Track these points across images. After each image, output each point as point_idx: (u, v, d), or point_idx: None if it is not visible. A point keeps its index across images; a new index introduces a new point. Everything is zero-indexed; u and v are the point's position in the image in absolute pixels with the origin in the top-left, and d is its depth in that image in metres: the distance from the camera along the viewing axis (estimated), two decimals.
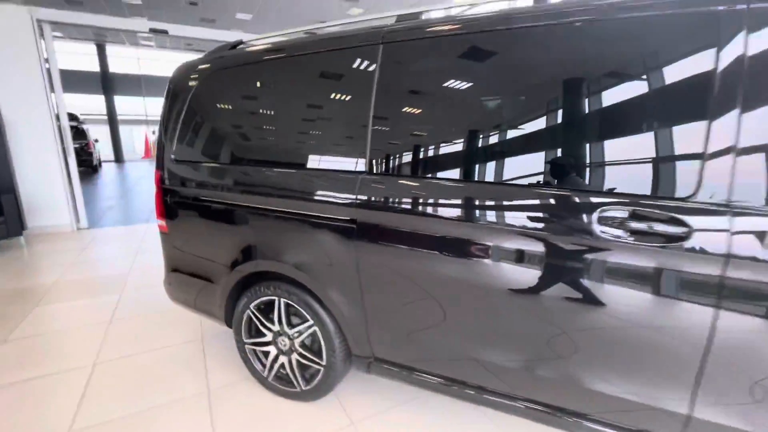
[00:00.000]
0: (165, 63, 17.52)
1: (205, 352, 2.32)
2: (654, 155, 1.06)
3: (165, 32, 5.33)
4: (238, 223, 1.80)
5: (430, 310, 1.42)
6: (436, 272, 1.37)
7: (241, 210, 1.77)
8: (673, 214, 1.02)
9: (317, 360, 1.77)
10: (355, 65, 1.52)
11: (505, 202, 1.24)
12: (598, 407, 1.23)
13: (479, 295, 1.31)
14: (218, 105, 1.87)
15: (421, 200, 1.38)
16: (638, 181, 1.08)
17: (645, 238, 1.06)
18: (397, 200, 1.42)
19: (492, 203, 1.27)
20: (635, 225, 1.07)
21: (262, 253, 1.74)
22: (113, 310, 2.88)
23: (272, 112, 1.73)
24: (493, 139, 1.29)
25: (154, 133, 19.98)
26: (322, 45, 1.60)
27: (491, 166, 1.31)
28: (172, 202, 2.01)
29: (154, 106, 19.63)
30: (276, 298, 1.79)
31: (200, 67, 1.93)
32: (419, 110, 1.42)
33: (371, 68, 1.47)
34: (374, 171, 1.47)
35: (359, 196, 1.48)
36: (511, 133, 1.26)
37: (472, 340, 1.37)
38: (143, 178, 11.76)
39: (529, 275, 1.22)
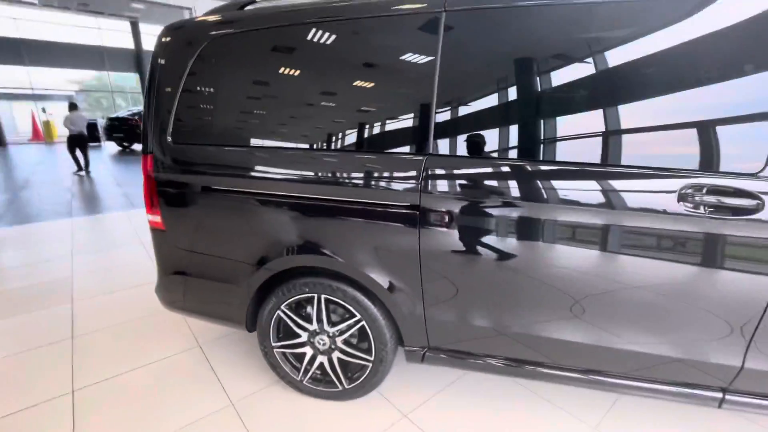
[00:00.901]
0: (58, 26, 14.84)
1: (209, 360, 2.05)
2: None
3: None
4: (270, 215, 1.57)
5: (497, 294, 1.40)
6: (509, 256, 1.34)
7: (275, 200, 1.54)
8: (745, 188, 1.11)
9: (364, 356, 1.66)
10: (410, 35, 1.38)
11: (594, 183, 1.24)
12: (667, 372, 1.33)
13: (556, 277, 1.31)
14: (238, 76, 1.58)
15: (498, 184, 1.32)
16: (713, 157, 1.15)
17: (721, 212, 1.13)
18: (470, 183, 1.35)
19: (579, 183, 1.25)
20: (713, 199, 1.13)
21: (302, 247, 1.55)
22: (70, 325, 2.41)
23: (312, 87, 1.51)
24: (581, 118, 1.27)
25: (44, 111, 16.92)
26: (369, 10, 1.42)
27: (567, 145, 1.29)
28: (172, 193, 1.69)
29: (41, 77, 16.59)
30: (315, 295, 1.63)
31: (205, 29, 1.60)
32: (495, 84, 1.33)
33: (432, 39, 1.34)
34: (440, 152, 1.37)
35: (424, 181, 1.38)
36: (609, 112, 1.24)
37: (541, 319, 1.38)
38: (41, 164, 9.96)
39: (611, 255, 1.24)
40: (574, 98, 1.25)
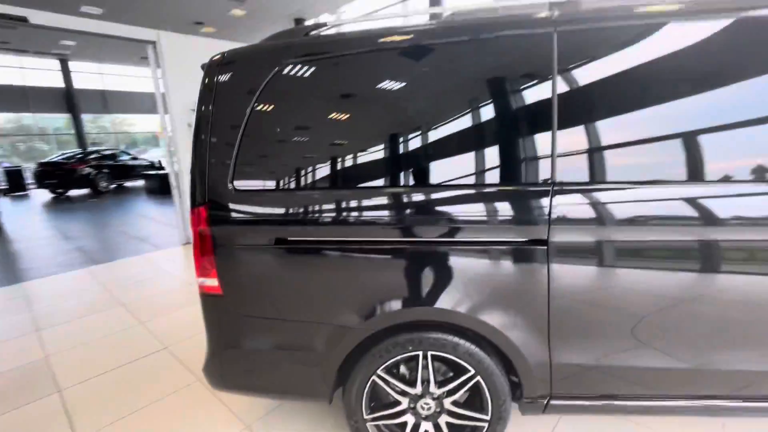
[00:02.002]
0: None
1: None
2: None
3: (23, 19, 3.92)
4: (369, 265, 1.34)
5: (646, 328, 1.28)
6: (664, 284, 1.23)
7: (376, 247, 1.32)
8: None
9: (478, 415, 1.45)
10: (516, 55, 1.28)
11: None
12: None
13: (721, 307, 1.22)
14: (323, 107, 1.36)
15: (647, 211, 1.22)
16: None
17: None
18: (605, 212, 1.23)
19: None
20: None
21: (410, 300, 1.33)
22: (67, 420, 1.92)
23: (412, 115, 1.34)
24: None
25: None
26: (468, 32, 1.30)
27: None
28: (235, 250, 1.40)
29: None
30: (419, 353, 1.40)
31: (274, 56, 1.38)
32: (625, 101, 1.24)
33: (544, 58, 1.24)
34: (565, 180, 1.25)
35: (554, 212, 1.24)
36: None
37: (704, 351, 1.28)
38: None
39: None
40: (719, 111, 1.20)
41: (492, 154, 1.29)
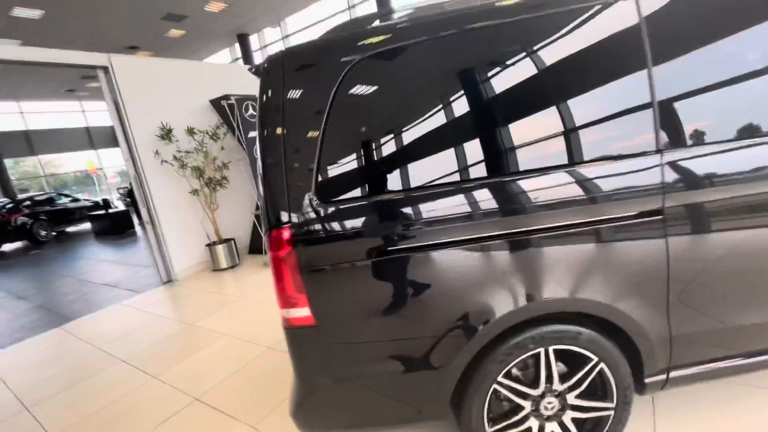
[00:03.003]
0: None
1: None
2: None
3: None
4: (489, 264, 1.22)
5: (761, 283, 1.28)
6: None
7: (495, 242, 1.21)
8: None
9: (604, 405, 1.38)
10: (596, 25, 1.23)
11: None
12: None
13: None
14: (422, 95, 1.23)
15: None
16: None
17: None
18: (721, 175, 1.22)
19: None
20: None
21: (534, 293, 1.24)
22: None
23: (510, 97, 1.24)
24: None
25: None
26: (550, 5, 1.23)
27: None
28: (328, 270, 1.23)
29: None
30: (541, 350, 1.31)
31: (351, 46, 1.23)
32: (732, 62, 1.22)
33: (627, 25, 1.21)
34: (674, 144, 1.22)
35: (666, 179, 1.21)
36: None
37: None
38: None
39: None
40: None
41: (602, 127, 1.23)
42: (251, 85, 5.90)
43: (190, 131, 4.91)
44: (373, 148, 1.24)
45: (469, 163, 1.22)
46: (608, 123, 1.24)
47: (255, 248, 5.70)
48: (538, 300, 1.24)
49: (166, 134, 4.69)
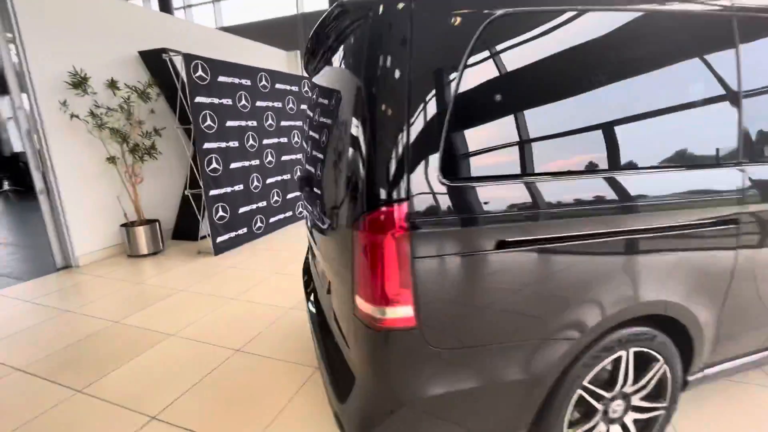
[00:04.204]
0: None
1: None
2: None
3: None
4: (606, 263, 1.14)
5: None
6: None
7: (615, 240, 1.13)
8: None
9: (659, 405, 1.41)
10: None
11: None
12: None
13: None
14: (571, 62, 1.07)
15: None
16: None
17: None
18: None
19: None
20: None
21: (633, 295, 1.19)
22: None
23: (676, 91, 1.18)
24: None
25: None
26: None
27: None
28: (442, 262, 1.01)
29: None
30: (623, 353, 1.28)
31: None
32: None
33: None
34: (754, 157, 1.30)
35: (746, 185, 1.28)
36: None
37: None
38: None
39: None
40: None
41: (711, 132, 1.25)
42: (197, 45, 5.03)
43: (113, 84, 4.01)
44: (516, 121, 1.06)
45: (619, 151, 1.13)
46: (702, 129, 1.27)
47: (181, 233, 4.91)
48: (639, 301, 1.21)
49: (80, 83, 3.74)
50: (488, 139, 1.04)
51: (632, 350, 1.29)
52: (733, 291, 1.37)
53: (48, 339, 2.58)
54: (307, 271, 2.28)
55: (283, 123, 5.26)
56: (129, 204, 4.29)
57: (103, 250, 4.25)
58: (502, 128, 1.05)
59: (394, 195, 0.97)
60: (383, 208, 0.97)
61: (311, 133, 1.74)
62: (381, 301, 1.01)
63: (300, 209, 5.87)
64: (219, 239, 4.26)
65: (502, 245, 1.03)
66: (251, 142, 4.71)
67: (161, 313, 2.90)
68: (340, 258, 1.19)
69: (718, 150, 1.29)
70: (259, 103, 4.81)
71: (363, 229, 1.00)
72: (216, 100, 4.17)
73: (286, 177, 5.39)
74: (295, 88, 5.49)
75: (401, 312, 1.01)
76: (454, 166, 1.01)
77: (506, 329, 1.10)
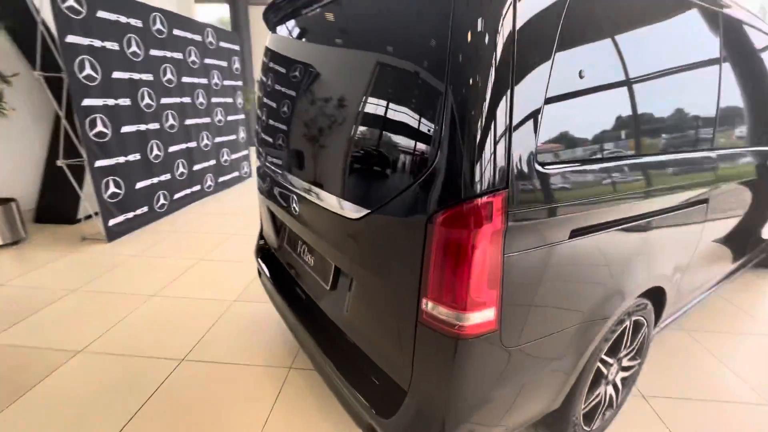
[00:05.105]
0: None
1: None
2: None
3: None
4: (648, 240, 1.20)
5: None
6: None
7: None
8: None
9: (637, 361, 1.60)
10: None
11: None
12: None
13: None
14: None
15: None
16: None
17: None
18: None
19: None
20: None
21: (656, 272, 1.31)
22: None
23: None
24: None
25: None
26: None
27: None
28: (528, 255, 0.91)
29: None
30: (628, 323, 1.39)
31: None
32: None
33: None
34: None
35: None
36: None
37: None
38: None
39: None
40: None
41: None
42: None
43: None
44: (610, 100, 0.98)
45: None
46: None
47: (49, 215, 3.84)
48: (656, 275, 1.33)
49: None
50: (582, 121, 0.96)
51: (632, 319, 1.42)
52: (698, 250, 1.60)
53: None
54: (267, 256, 1.96)
55: (185, 79, 4.39)
56: None
57: None
58: (597, 107, 0.98)
59: (494, 183, 0.82)
60: (480, 199, 0.82)
61: (301, 93, 1.41)
62: (464, 306, 0.87)
63: (244, 174, 5.14)
64: (112, 222, 3.44)
65: (586, 230, 0.99)
66: (147, 100, 3.82)
67: (52, 323, 2.22)
68: (388, 254, 1.00)
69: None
70: (154, 52, 3.89)
71: (448, 223, 0.84)
72: (97, 42, 3.22)
73: (192, 144, 4.58)
74: (197, 37, 4.60)
75: (484, 315, 0.89)
76: (551, 149, 0.90)
77: (570, 314, 1.09)
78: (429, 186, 0.86)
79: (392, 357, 1.08)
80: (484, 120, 0.80)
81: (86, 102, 3.15)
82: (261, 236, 2.13)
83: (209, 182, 4.97)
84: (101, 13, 3.26)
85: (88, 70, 3.14)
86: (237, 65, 5.54)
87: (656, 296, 1.50)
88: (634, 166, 1.14)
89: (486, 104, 0.80)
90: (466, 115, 0.80)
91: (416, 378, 1.01)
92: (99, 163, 3.29)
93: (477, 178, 0.81)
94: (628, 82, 1.04)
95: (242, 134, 5.80)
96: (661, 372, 1.90)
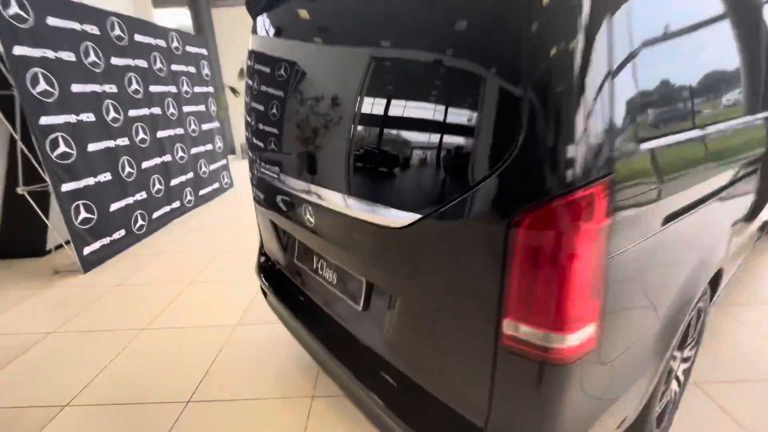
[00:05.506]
0: None
1: None
2: None
3: None
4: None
5: None
6: None
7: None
8: None
9: (695, 351, 1.48)
10: None
11: None
12: None
13: None
14: None
15: None
16: None
17: None
18: None
19: None
20: None
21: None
22: None
23: None
24: None
25: None
26: None
27: None
28: (640, 247, 0.75)
29: None
30: (694, 313, 1.26)
31: None
32: None
33: None
34: None
35: None
36: None
37: None
38: None
39: None
40: None
41: None
42: None
43: None
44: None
45: None
46: None
47: (12, 249, 3.47)
48: (722, 256, 1.20)
49: None
50: (678, 83, 0.80)
51: (697, 308, 1.29)
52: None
53: None
54: (272, 274, 1.75)
55: (152, 88, 4.06)
56: None
57: None
58: (690, 70, 0.82)
59: (595, 170, 0.65)
60: (579, 192, 0.64)
61: (318, 88, 1.19)
62: (561, 325, 0.70)
63: (225, 185, 4.79)
64: (87, 250, 3.12)
65: (681, 212, 0.84)
66: (113, 114, 3.49)
67: (29, 374, 1.94)
68: (450, 267, 0.82)
69: None
70: (115, 61, 3.56)
71: (537, 225, 0.66)
72: (50, 53, 2.89)
73: (167, 158, 4.25)
74: (161, 43, 4.26)
75: (585, 333, 0.73)
76: (652, 121, 0.74)
77: (658, 313, 0.94)
78: (508, 180, 0.69)
79: (459, 388, 0.91)
80: (584, 90, 0.62)
81: (44, 120, 2.82)
82: (261, 252, 1.91)
83: (189, 197, 4.65)
84: (51, 20, 2.93)
85: (43, 85, 2.81)
86: (206, 71, 5.21)
87: (714, 277, 1.38)
88: (727, 131, 1.01)
89: (584, 70, 0.62)
90: (558, 86, 0.62)
91: (496, 412, 0.84)
92: (66, 187, 2.97)
93: (574, 165, 0.64)
94: (717, 43, 0.90)
95: (219, 143, 5.48)
96: (705, 354, 1.80)
